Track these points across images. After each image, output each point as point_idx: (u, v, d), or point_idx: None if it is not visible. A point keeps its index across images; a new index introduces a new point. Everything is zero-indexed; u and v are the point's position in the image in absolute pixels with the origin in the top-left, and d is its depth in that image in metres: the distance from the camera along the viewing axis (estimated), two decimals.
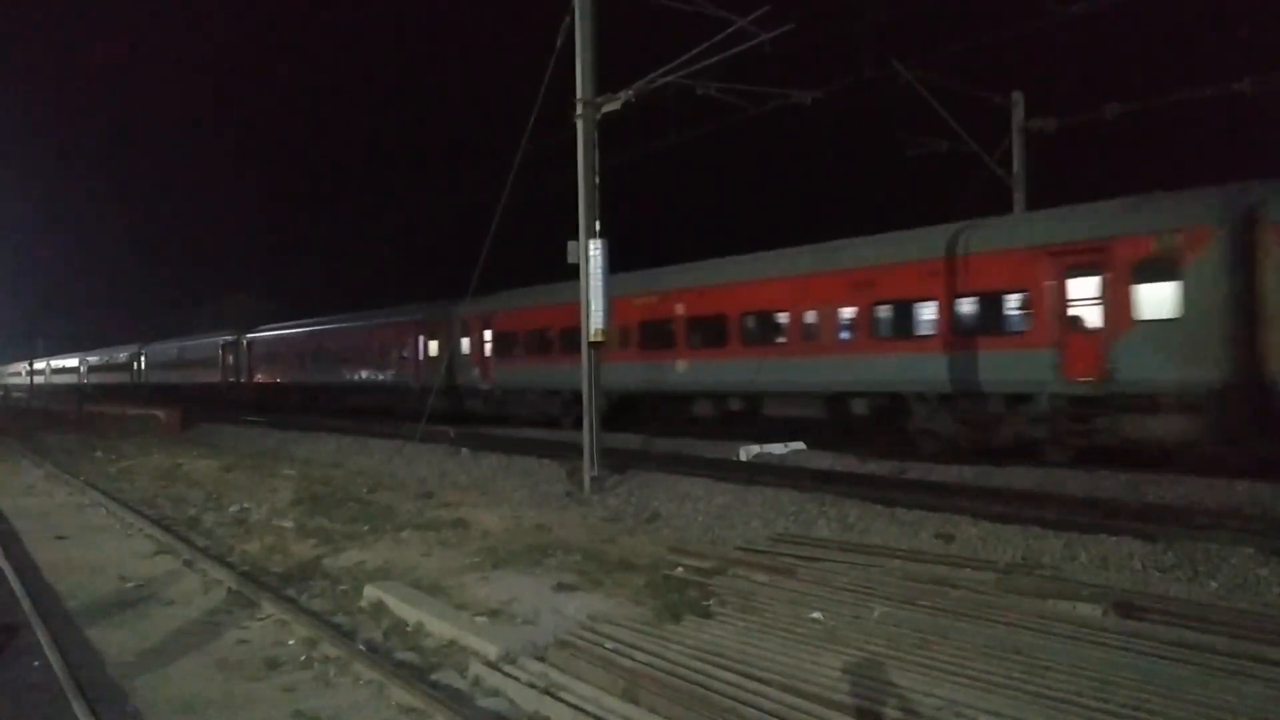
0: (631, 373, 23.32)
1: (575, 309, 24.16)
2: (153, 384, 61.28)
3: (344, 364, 38.31)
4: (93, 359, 78.00)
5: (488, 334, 29.51)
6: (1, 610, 8.66)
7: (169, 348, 60.79)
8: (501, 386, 28.64)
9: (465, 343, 30.30)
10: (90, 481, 18.29)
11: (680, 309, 22.46)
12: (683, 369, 22.21)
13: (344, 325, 39.56)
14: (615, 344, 22.02)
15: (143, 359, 64.91)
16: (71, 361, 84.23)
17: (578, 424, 23.36)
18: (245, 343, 48.83)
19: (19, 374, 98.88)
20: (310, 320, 44.16)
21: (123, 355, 69.49)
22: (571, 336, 23.87)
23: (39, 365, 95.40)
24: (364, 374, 36.79)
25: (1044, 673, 5.93)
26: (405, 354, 33.55)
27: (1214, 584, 8.17)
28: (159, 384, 59.95)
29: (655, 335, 23.12)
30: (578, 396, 24.23)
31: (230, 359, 50.27)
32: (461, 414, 29.68)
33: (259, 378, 47.24)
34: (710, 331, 21.60)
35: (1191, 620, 6.95)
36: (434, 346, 32.04)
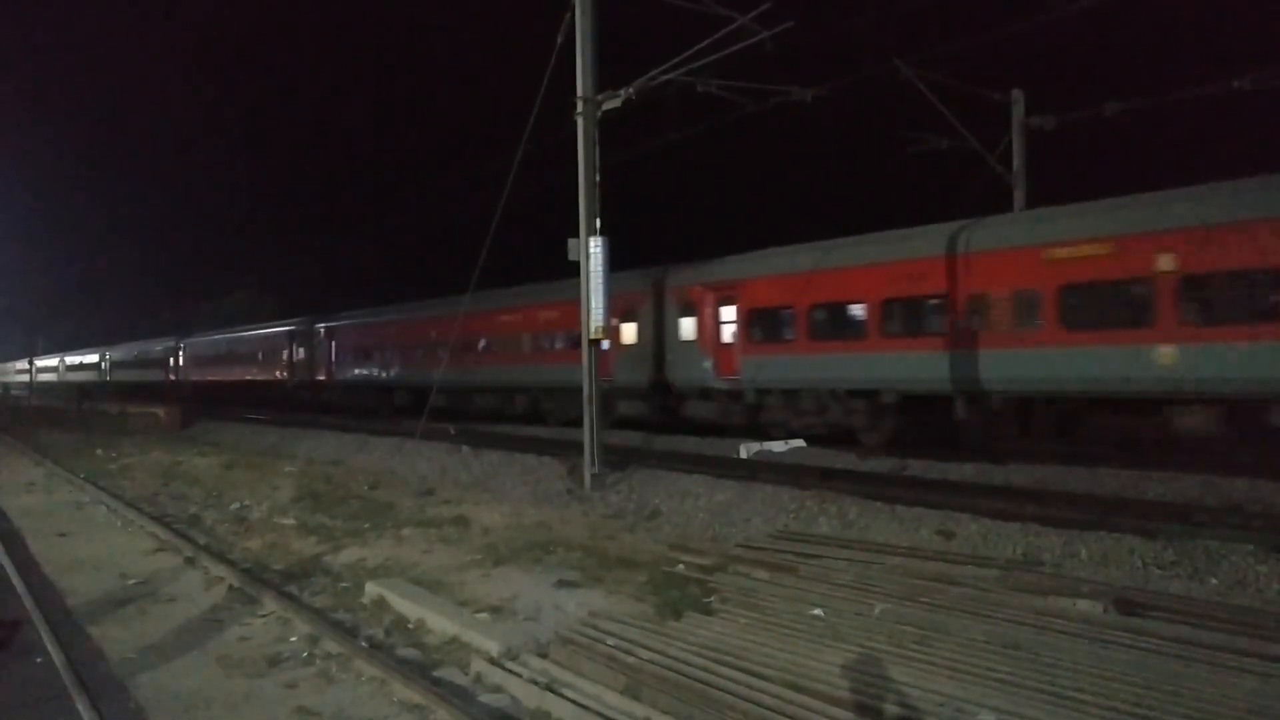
0: (1050, 363, 15.36)
1: (918, 267, 16.99)
2: (193, 382, 53.65)
3: (475, 358, 29.22)
4: (117, 354, 69.30)
5: (728, 311, 21.09)
6: (3, 607, 8.67)
7: (214, 340, 52.37)
8: (758, 383, 20.17)
9: (685, 325, 22.00)
10: (91, 479, 18.30)
11: (1167, 263, 14.13)
12: (1172, 358, 14.09)
13: (474, 309, 28.86)
14: (1007, 320, 15.90)
15: (181, 353, 56.27)
16: (90, 357, 75.74)
17: (899, 443, 17.19)
18: (322, 332, 39.20)
19: (28, 371, 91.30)
20: (415, 304, 34.28)
21: (156, 349, 60.79)
22: (914, 308, 17.33)
23: (49, 362, 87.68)
24: (509, 371, 27.89)
25: (1044, 669, 5.95)
26: (579, 342, 26.00)
27: (1214, 581, 8.19)
28: (202, 382, 52.38)
29: (1106, 306, 14.93)
30: (913, 398, 17.20)
31: (300, 352, 40.85)
32: (676, 424, 22.29)
33: (345, 375, 37.74)
34: (1245, 299, 13.47)
35: (1191, 617, 6.97)
36: (628, 331, 23.70)
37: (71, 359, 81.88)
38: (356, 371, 37.20)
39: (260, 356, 45.36)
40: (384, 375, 34.90)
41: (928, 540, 10.07)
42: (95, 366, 73.45)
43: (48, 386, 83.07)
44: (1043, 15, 16.87)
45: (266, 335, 45.25)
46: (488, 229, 16.73)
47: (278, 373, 43.06)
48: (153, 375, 59.83)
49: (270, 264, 76.22)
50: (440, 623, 7.60)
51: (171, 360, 57.25)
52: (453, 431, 22.88)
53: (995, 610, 7.27)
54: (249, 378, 46.18)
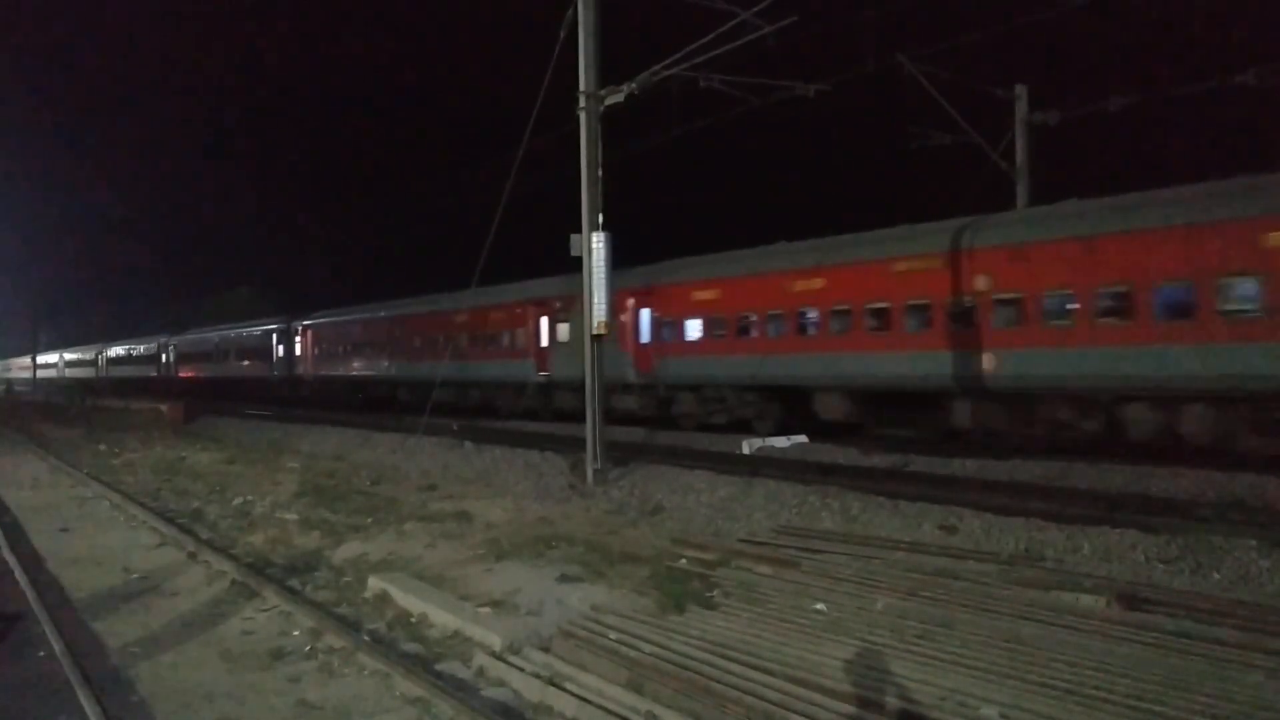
0: None
1: None
2: (323, 377, 39.96)
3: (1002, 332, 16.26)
4: (184, 344, 55.05)
5: None
6: (6, 601, 8.68)
7: (368, 321, 37.10)
8: None
9: None
10: (94, 474, 18.32)
11: None
12: None
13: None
14: None
15: (298, 340, 41.85)
16: (143, 348, 62.63)
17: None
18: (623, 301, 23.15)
19: (55, 365, 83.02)
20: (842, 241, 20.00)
21: (252, 335, 46.95)
22: None
23: (83, 355, 78.62)
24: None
25: (1047, 663, 5.94)
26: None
27: (1216, 576, 8.18)
28: (337, 377, 38.71)
29: None
30: None
31: (558, 333, 26.24)
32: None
33: (683, 370, 22.58)
34: None
35: (1194, 612, 6.96)
36: None
37: (115, 350, 69.36)
38: (711, 361, 21.93)
39: (463, 341, 29.57)
40: (799, 367, 19.80)
41: (930, 535, 10.06)
42: (151, 359, 60.52)
43: (86, 383, 70.53)
44: (1046, 10, 16.84)
45: (484, 310, 28.83)
46: (488, 226, 16.68)
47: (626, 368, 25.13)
48: (245, 370, 47.42)
49: (272, 261, 76.04)
50: (442, 617, 7.61)
51: (283, 349, 43.50)
52: (455, 427, 22.93)
53: (998, 605, 7.27)
54: (497, 376, 30.04)
